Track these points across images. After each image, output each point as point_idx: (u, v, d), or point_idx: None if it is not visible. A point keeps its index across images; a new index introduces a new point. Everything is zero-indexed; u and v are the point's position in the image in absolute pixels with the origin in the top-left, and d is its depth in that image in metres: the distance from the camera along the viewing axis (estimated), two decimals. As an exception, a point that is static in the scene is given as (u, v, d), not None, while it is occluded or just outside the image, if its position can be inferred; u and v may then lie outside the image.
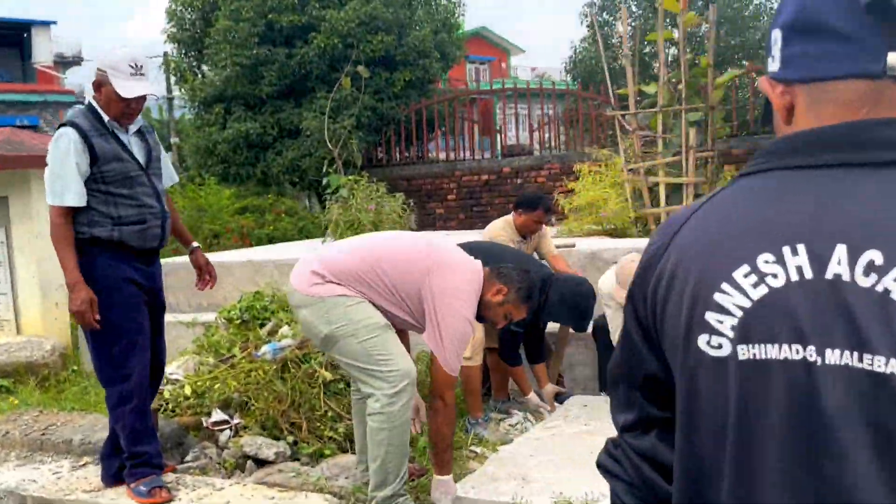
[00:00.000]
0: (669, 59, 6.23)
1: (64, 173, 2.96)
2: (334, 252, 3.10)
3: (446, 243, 3.21)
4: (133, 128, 3.17)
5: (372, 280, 2.90)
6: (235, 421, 3.97)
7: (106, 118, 3.06)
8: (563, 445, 3.52)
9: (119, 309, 3.06)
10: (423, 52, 11.15)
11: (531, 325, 3.95)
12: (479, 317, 2.99)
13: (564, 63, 18.55)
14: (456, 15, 12.37)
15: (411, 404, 2.94)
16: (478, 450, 3.75)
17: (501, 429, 4.05)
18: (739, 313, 0.74)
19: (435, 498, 2.97)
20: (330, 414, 3.88)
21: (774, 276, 0.73)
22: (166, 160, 3.42)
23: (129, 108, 3.06)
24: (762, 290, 0.73)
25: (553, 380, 4.39)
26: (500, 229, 4.59)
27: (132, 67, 3.01)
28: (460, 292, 2.86)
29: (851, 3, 0.72)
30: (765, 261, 0.74)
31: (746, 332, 0.74)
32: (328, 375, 3.98)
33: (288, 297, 3.27)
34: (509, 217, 4.72)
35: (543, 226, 4.71)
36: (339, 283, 2.92)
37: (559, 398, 4.28)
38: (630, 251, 5.02)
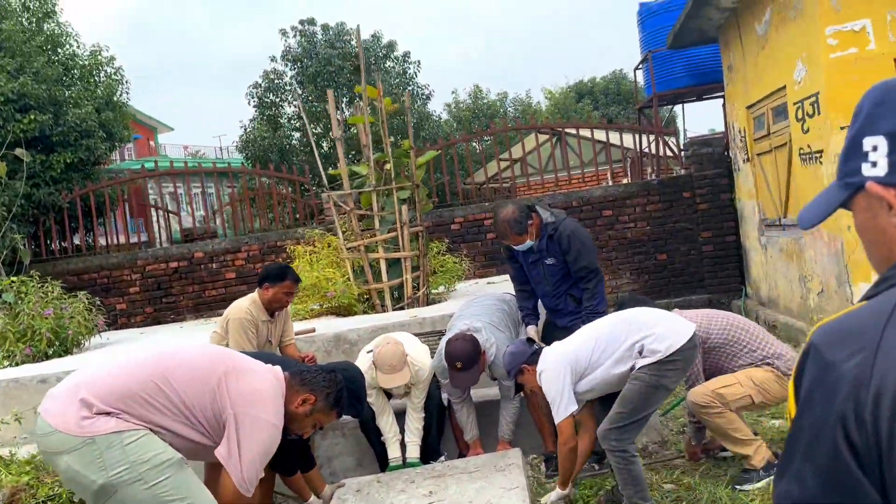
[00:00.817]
0: (370, 141, 6.49)
1: None
2: (102, 374, 2.55)
3: (237, 351, 2.87)
4: None
5: (158, 401, 2.45)
6: None
7: None
8: None
9: None
10: (85, 132, 10.02)
11: None
12: (284, 430, 2.71)
13: (236, 143, 18.27)
14: (119, 92, 11.42)
15: None
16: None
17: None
18: None
19: None
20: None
21: None
22: None
23: None
24: None
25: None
26: (245, 310, 4.26)
27: None
28: (262, 395, 2.58)
29: None
30: None
31: None
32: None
33: (38, 441, 2.56)
34: (253, 295, 4.42)
35: (289, 305, 4.51)
36: (112, 414, 2.40)
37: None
38: (372, 331, 5.05)
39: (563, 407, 3.25)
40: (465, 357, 3.94)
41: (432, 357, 4.33)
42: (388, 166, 6.50)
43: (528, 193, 15.09)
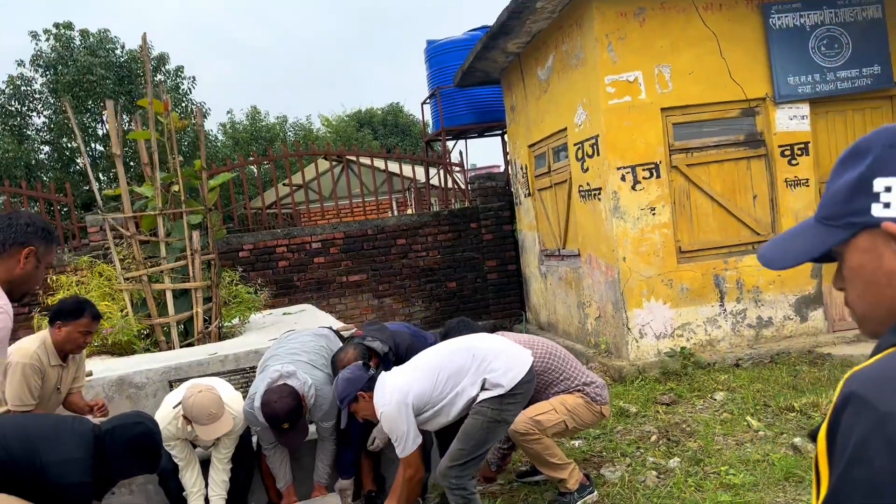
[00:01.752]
0: (156, 159, 5.91)
1: None
2: None
3: None
4: None
5: None
6: None
7: None
8: None
9: None
10: None
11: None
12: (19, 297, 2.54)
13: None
14: None
15: None
16: None
17: None
18: None
19: None
20: None
21: None
22: None
23: None
24: None
25: None
26: (31, 353, 3.59)
27: None
28: None
29: None
30: None
31: None
32: None
33: None
34: (43, 334, 3.74)
35: (86, 346, 3.89)
36: None
37: None
38: (163, 372, 4.53)
39: (410, 442, 3.13)
40: (289, 415, 3.62)
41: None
42: (175, 188, 5.96)
43: (313, 221, 14.82)
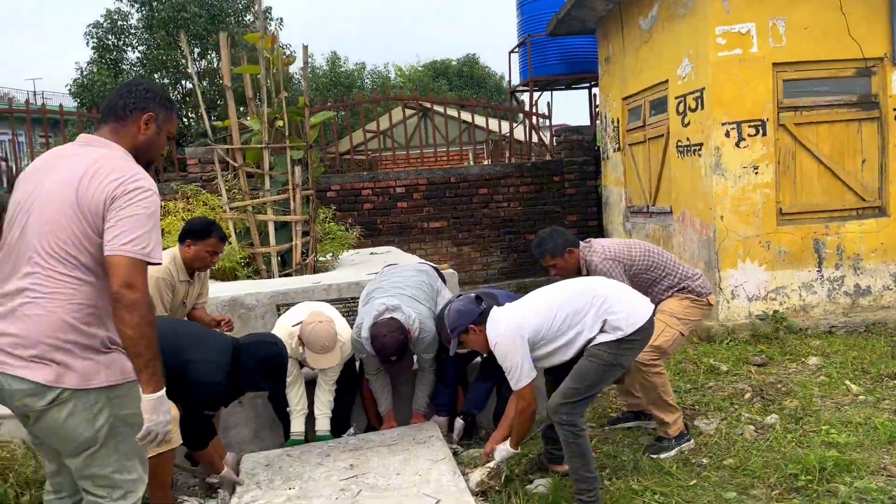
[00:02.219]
0: (260, 95, 6.06)
1: None
2: None
3: None
4: None
5: None
6: None
7: None
8: None
9: None
10: None
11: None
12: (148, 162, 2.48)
13: (69, 86, 16.37)
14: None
15: None
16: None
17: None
18: None
19: (153, 421, 2.15)
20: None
21: None
22: None
23: None
24: None
25: None
26: (164, 268, 3.82)
27: None
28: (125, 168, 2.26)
29: None
30: None
31: None
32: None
33: None
34: (174, 251, 3.96)
35: (212, 265, 4.11)
36: None
37: None
38: (272, 296, 4.72)
39: (523, 376, 3.18)
40: (397, 349, 3.80)
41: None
42: (279, 123, 6.10)
43: (392, 167, 14.96)
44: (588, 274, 3.94)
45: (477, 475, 3.48)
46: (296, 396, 4.06)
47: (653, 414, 3.94)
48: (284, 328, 3.99)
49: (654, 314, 3.32)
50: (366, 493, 3.24)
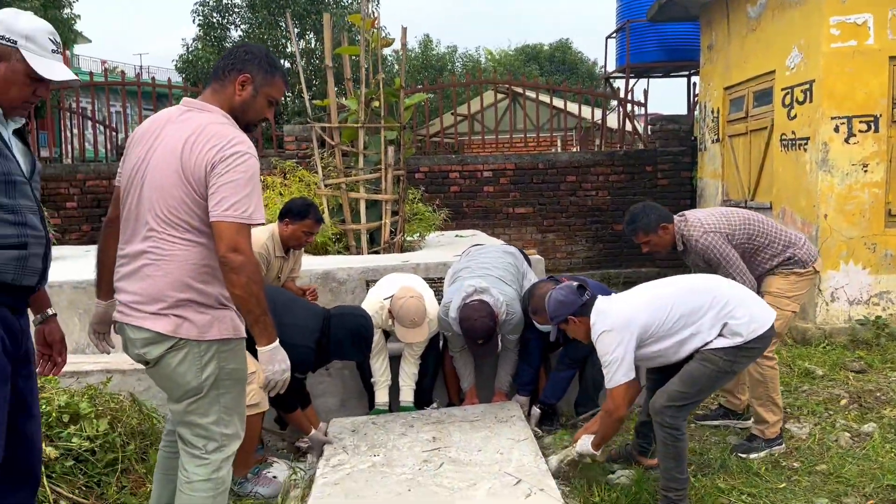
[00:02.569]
0: (358, 75, 6.18)
1: None
2: None
3: None
4: (13, 125, 2.15)
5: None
6: None
7: None
8: (370, 486, 3.15)
9: None
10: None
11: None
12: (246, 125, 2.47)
13: (175, 62, 17.18)
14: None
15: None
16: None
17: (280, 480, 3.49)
18: None
19: (270, 371, 2.37)
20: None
21: None
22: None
23: (34, 96, 2.12)
24: None
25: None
26: (262, 244, 3.99)
27: (52, 43, 2.13)
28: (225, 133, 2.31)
29: None
30: None
31: None
32: (51, 452, 2.94)
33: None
34: (272, 227, 4.14)
35: (307, 244, 4.28)
36: None
37: None
38: (362, 272, 4.86)
39: (620, 373, 2.98)
40: (485, 333, 3.85)
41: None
42: (376, 103, 6.22)
43: (480, 152, 14.97)
44: (685, 251, 3.79)
45: (554, 461, 3.48)
46: (380, 368, 4.17)
47: (755, 410, 3.81)
48: (375, 300, 4.10)
49: (773, 322, 3.11)
50: (448, 467, 3.31)
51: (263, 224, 2.40)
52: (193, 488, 2.34)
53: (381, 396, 4.19)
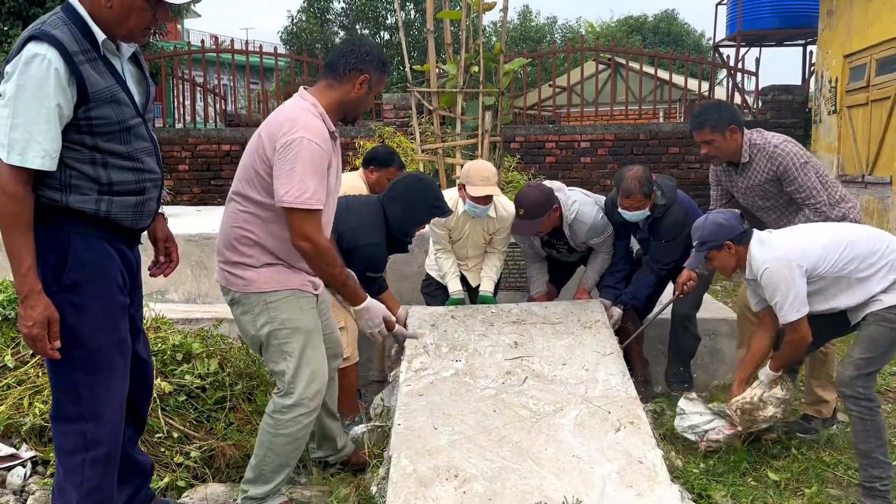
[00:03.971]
0: (458, 42, 6.18)
1: (33, 117, 1.92)
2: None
3: None
4: (128, 52, 2.18)
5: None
6: (29, 454, 2.94)
7: (100, 34, 2.04)
8: (455, 402, 2.99)
9: (96, 321, 2.13)
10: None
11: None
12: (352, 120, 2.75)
13: (280, 33, 17.71)
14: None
15: (307, 420, 2.66)
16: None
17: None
18: None
19: (364, 326, 2.83)
20: (176, 435, 3.08)
21: None
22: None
23: (153, 21, 2.11)
24: None
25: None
26: (351, 185, 4.12)
27: None
28: (290, 118, 2.50)
29: None
30: None
31: None
32: (165, 387, 3.15)
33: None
34: (360, 173, 4.27)
35: None
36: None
37: None
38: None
39: (792, 310, 2.82)
40: (530, 206, 3.75)
41: None
42: (475, 69, 6.20)
43: (578, 123, 14.70)
44: (748, 165, 3.45)
45: (736, 405, 3.16)
46: (448, 261, 4.11)
47: (812, 391, 3.60)
48: (450, 193, 4.03)
49: None
50: (532, 383, 3.13)
51: (320, 210, 2.50)
52: (263, 419, 2.67)
53: (454, 285, 4.11)
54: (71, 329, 2.08)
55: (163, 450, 3.01)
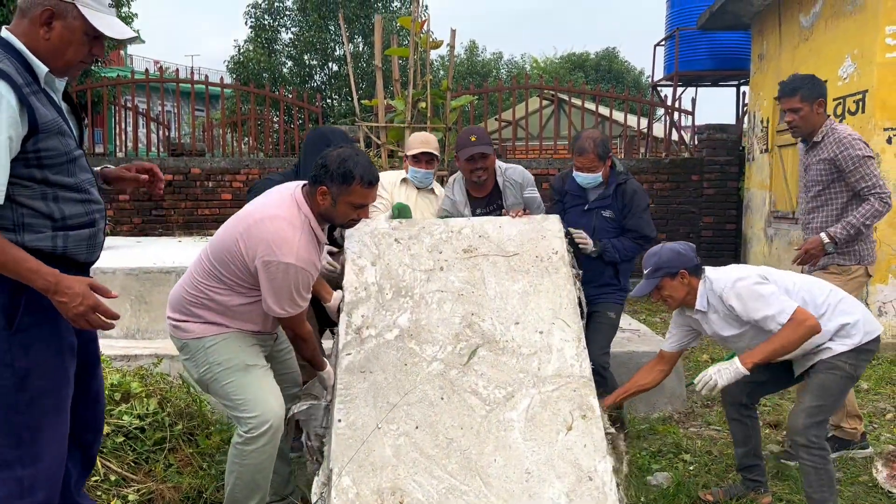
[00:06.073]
0: (406, 77, 6.27)
1: None
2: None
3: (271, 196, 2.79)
4: (61, 86, 2.17)
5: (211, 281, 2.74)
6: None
7: (41, 67, 2.03)
8: (399, 383, 2.79)
9: (46, 363, 2.10)
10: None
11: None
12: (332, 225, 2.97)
13: (226, 62, 17.59)
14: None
15: (269, 449, 2.68)
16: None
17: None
18: None
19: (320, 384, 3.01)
20: (113, 478, 2.99)
21: None
22: None
23: (89, 55, 2.11)
24: None
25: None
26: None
27: None
28: (280, 239, 2.58)
29: None
30: None
31: None
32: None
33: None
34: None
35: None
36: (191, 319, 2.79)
37: None
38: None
39: (784, 311, 2.78)
40: (479, 132, 4.08)
41: None
42: (422, 105, 6.30)
43: (524, 158, 14.97)
44: (816, 146, 3.57)
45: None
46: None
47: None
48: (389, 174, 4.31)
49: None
50: (482, 354, 2.91)
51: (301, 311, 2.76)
52: (230, 449, 2.72)
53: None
54: (18, 372, 2.03)
55: (99, 493, 2.91)
